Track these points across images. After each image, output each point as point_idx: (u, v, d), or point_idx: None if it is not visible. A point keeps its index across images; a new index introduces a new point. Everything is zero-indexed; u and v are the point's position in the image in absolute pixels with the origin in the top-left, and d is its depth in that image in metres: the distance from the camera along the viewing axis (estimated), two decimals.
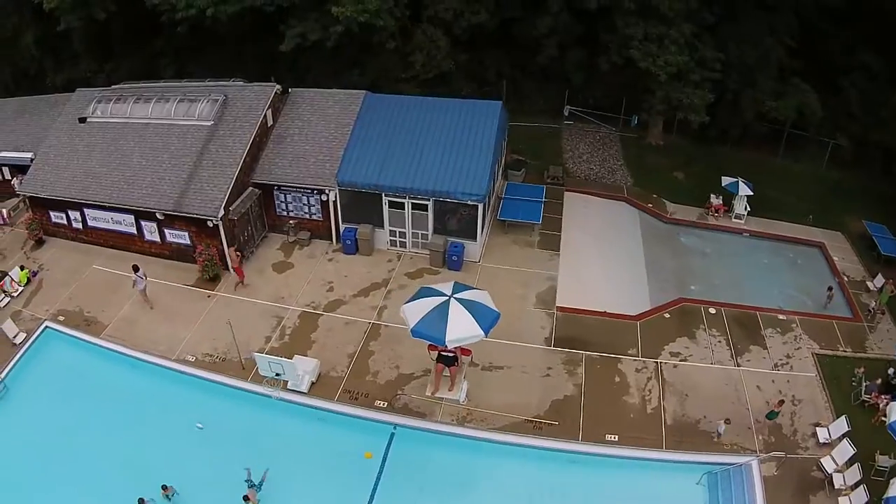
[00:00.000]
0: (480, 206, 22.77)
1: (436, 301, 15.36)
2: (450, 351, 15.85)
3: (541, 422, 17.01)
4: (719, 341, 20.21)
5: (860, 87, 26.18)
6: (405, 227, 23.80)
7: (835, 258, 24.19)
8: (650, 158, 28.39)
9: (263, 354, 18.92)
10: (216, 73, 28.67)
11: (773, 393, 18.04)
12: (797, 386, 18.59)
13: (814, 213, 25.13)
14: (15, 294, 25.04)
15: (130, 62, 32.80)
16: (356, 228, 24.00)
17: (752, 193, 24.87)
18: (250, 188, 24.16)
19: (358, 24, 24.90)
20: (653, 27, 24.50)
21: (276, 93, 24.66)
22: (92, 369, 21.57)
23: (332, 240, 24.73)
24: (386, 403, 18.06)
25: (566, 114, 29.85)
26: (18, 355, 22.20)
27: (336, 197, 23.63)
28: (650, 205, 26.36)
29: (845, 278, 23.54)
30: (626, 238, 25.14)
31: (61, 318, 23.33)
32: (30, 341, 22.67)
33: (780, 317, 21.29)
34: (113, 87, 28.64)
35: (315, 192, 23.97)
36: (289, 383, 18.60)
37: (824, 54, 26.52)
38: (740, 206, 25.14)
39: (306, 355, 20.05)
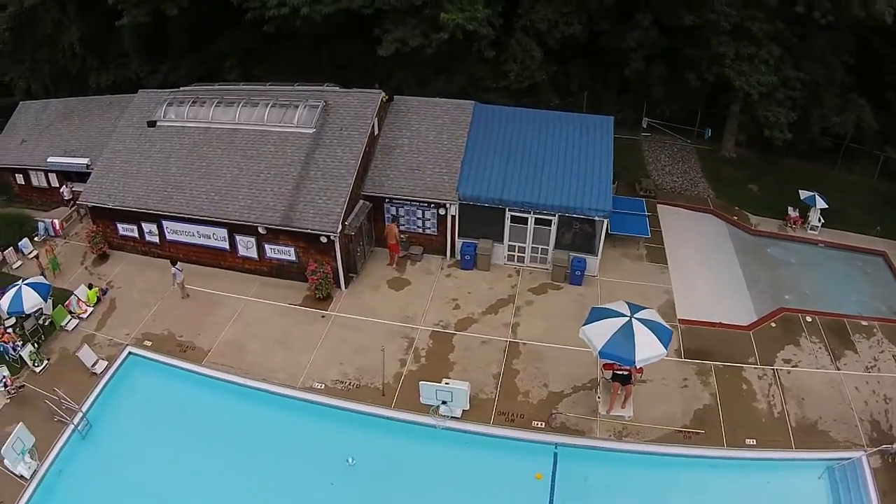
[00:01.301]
0: (605, 222, 18.93)
1: (618, 322, 13.63)
2: (625, 369, 14.04)
3: (689, 431, 15.09)
4: (819, 347, 17.93)
5: None
6: (525, 243, 19.47)
7: None
8: (725, 170, 25.20)
9: (430, 382, 14.61)
10: (285, 77, 23.24)
11: (867, 393, 16.38)
12: (886, 385, 16.79)
13: (872, 224, 22.93)
14: (84, 316, 19.13)
15: (189, 63, 26.43)
16: (475, 243, 19.52)
17: (826, 206, 22.35)
18: (361, 201, 19.15)
19: (463, 32, 20.34)
20: (744, 47, 21.43)
21: (382, 100, 19.79)
22: (193, 401, 16.34)
23: (445, 255, 19.99)
24: (543, 423, 14.96)
25: (644, 125, 26.29)
26: (100, 386, 16.65)
27: (456, 211, 19.12)
28: (735, 217, 23.16)
29: None
30: (720, 250, 21.83)
31: (147, 342, 17.78)
32: (112, 370, 17.12)
33: (863, 323, 19.09)
34: (182, 88, 22.69)
35: (432, 205, 19.27)
36: (440, 409, 14.60)
37: (874, 70, 24.28)
38: (815, 218, 22.67)
39: (449, 378, 15.77)
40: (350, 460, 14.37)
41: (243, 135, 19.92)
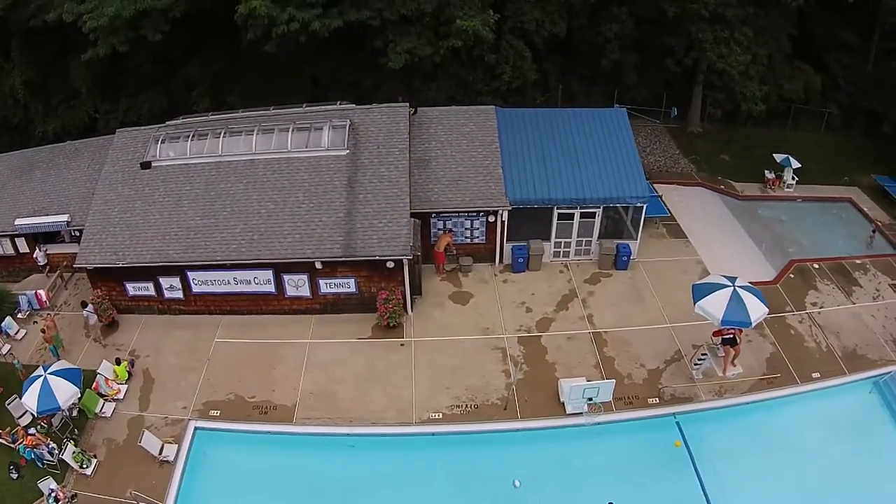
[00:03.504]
0: (644, 207, 18.35)
1: (726, 292, 14.30)
2: (731, 333, 14.74)
3: (767, 377, 15.60)
4: (833, 288, 19.04)
5: (842, 62, 25.84)
6: (571, 237, 18.50)
7: (864, 208, 23.78)
8: (697, 145, 25.79)
9: (571, 380, 14.18)
10: (262, 101, 20.23)
11: (882, 318, 17.65)
12: (894, 310, 18.14)
13: (829, 174, 24.51)
14: (119, 396, 15.50)
15: (152, 96, 22.31)
16: (525, 245, 18.15)
17: (800, 165, 23.57)
18: (412, 219, 17.02)
19: (474, 38, 18.66)
20: (719, 31, 21.94)
21: (411, 113, 17.60)
22: (293, 465, 13.88)
23: (494, 261, 18.53)
24: (657, 399, 14.95)
25: None
26: (178, 474, 13.51)
27: (507, 216, 17.52)
28: (722, 186, 23.85)
29: (879, 223, 23.18)
30: (722, 218, 22.41)
31: (214, 412, 14.80)
32: (184, 452, 13.88)
33: (857, 261, 20.53)
34: (170, 123, 19.03)
35: (481, 214, 17.62)
36: (568, 406, 14.20)
37: (809, 36, 25.82)
38: (789, 177, 23.82)
39: (557, 377, 15.03)
40: (516, 483, 13.04)
41: (266, 165, 17.09)
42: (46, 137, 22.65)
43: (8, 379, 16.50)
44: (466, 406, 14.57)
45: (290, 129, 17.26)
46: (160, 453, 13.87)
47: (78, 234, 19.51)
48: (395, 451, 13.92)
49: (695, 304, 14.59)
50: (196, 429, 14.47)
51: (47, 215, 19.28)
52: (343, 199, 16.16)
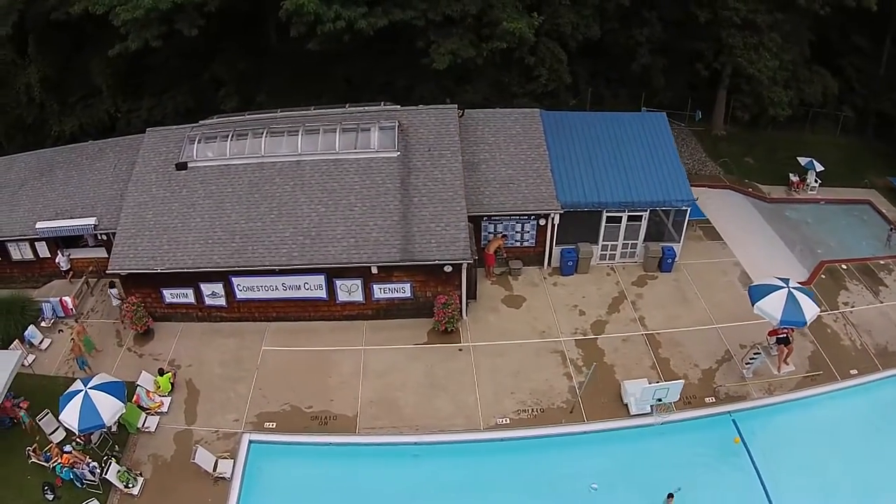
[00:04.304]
0: (688, 210, 18.45)
1: (783, 293, 14.63)
2: (784, 332, 14.98)
3: (811, 374, 15.87)
4: (861, 288, 19.42)
5: (857, 66, 26.39)
6: (617, 240, 18.43)
7: (882, 209, 24.40)
8: (722, 148, 26.00)
9: (634, 382, 14.42)
10: (293, 101, 19.68)
11: None
12: None
13: (847, 176, 25.06)
14: (163, 409, 14.77)
15: (174, 95, 21.49)
16: (574, 248, 18.02)
17: (823, 168, 24.06)
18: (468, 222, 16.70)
19: (518, 39, 18.53)
20: (748, 37, 22.25)
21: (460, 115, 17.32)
22: (358, 478, 13.42)
23: (542, 264, 18.32)
24: (713, 398, 15.07)
25: None
26: (235, 492, 12.95)
27: (557, 220, 17.37)
28: (750, 189, 24.11)
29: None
30: (752, 220, 22.59)
31: (269, 424, 14.21)
32: (239, 468, 13.29)
33: (881, 262, 21.01)
34: (203, 123, 18.34)
35: (532, 217, 17.41)
36: (632, 407, 14.36)
37: (825, 40, 26.30)
38: (812, 180, 24.28)
39: (617, 379, 15.09)
40: (593, 486, 12.94)
41: (313, 166, 16.59)
42: (62, 137, 21.57)
43: (35, 392, 15.61)
44: (532, 410, 14.37)
45: (337, 130, 16.80)
46: (214, 469, 13.25)
47: (105, 237, 18.71)
48: (463, 459, 13.57)
49: (753, 305, 14.86)
50: (251, 442, 13.87)
51: (71, 218, 18.41)
52: (397, 203, 15.74)
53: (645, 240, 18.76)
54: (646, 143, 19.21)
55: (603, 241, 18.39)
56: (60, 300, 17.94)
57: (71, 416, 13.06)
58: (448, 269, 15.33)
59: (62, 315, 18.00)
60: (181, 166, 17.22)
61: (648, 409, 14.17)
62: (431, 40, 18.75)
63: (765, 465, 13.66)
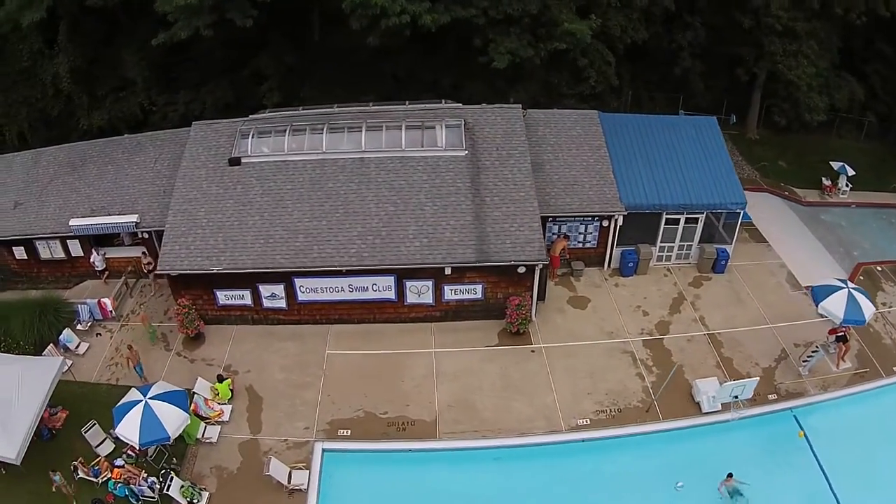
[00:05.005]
0: (741, 213, 18.80)
1: (844, 293, 15.20)
2: (842, 331, 15.67)
3: (859, 372, 16.29)
4: None
5: (881, 73, 27.01)
6: (674, 242, 18.63)
7: None
8: (756, 151, 26.62)
9: (705, 380, 14.73)
10: (335, 97, 19.36)
11: None
12: None
13: (871, 181, 25.85)
14: (224, 417, 14.20)
15: (214, 89, 20.81)
16: (634, 250, 18.12)
17: (854, 173, 24.83)
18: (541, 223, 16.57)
19: (576, 40, 18.64)
20: (788, 44, 22.87)
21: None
22: (443, 484, 13.16)
23: (602, 265, 18.37)
24: (775, 395, 15.46)
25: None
26: (313, 502, 12.40)
27: (621, 221, 17.42)
28: (786, 192, 24.72)
29: None
30: (792, 223, 23.09)
31: (344, 431, 13.82)
32: (315, 478, 12.85)
33: None
34: (253, 117, 17.84)
35: (595, 218, 17.43)
36: (704, 405, 14.63)
37: (850, 46, 26.95)
38: (843, 184, 25.03)
39: (686, 378, 15.27)
40: (679, 485, 13.02)
41: (378, 164, 16.32)
42: (90, 131, 20.68)
43: (74, 400, 14.88)
44: (610, 411, 14.46)
45: (402, 127, 16.54)
46: (289, 482, 12.75)
47: (146, 235, 17.97)
48: (546, 461, 13.50)
49: (817, 304, 15.51)
50: (324, 451, 13.43)
51: (109, 215, 17.63)
52: (469, 202, 15.56)
53: (702, 241, 19.10)
54: (698, 146, 19.48)
55: (661, 242, 18.59)
56: (98, 302, 17.17)
57: (130, 429, 12.40)
58: (521, 269, 15.22)
59: (100, 318, 17.22)
60: (234, 161, 16.70)
61: (719, 407, 14.50)
62: (490, 38, 18.66)
63: (826, 457, 14.14)
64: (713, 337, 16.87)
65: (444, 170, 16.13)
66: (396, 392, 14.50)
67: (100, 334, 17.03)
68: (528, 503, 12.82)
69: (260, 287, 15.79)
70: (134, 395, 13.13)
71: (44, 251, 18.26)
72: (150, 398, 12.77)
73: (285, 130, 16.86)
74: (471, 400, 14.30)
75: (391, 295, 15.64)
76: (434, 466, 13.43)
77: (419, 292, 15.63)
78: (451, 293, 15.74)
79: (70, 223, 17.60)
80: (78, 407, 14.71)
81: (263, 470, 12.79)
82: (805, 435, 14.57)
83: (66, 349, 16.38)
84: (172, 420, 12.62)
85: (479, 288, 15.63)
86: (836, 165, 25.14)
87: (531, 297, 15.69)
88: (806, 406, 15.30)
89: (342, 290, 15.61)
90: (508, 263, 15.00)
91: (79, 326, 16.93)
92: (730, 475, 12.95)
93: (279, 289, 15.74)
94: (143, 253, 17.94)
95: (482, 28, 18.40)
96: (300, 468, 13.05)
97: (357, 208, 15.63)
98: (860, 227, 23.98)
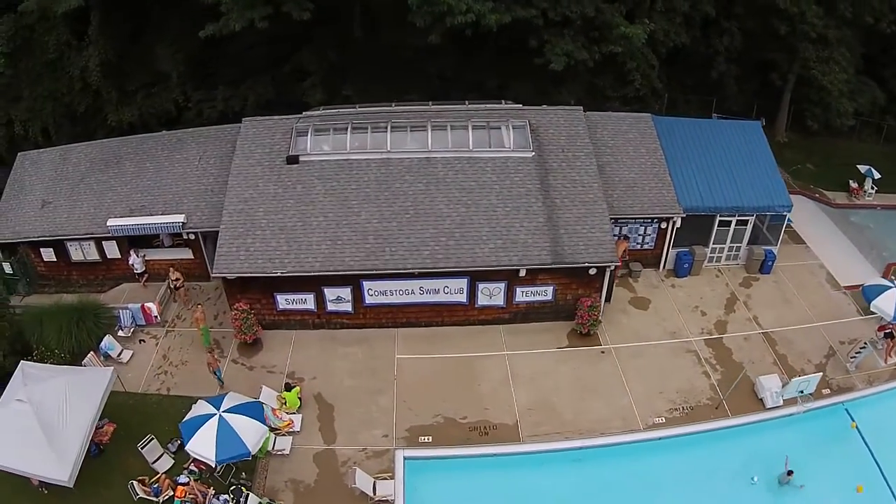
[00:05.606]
0: (788, 215, 19.45)
1: (892, 293, 15.94)
2: (890, 327, 16.28)
3: None
4: None
5: None
6: (724, 243, 19.10)
7: None
8: (785, 154, 27.01)
9: (767, 377, 15.19)
10: (377, 95, 19.18)
11: None
12: None
13: (891, 184, 26.85)
14: (295, 427, 13.82)
15: (254, 85, 20.21)
16: (689, 251, 18.48)
17: (880, 176, 25.55)
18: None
19: (630, 44, 18.95)
20: (821, 50, 23.79)
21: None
22: (521, 487, 13.08)
23: (658, 266, 18.70)
24: (828, 390, 15.96)
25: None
26: None
27: (679, 223, 17.72)
28: (817, 195, 25.49)
29: None
30: (825, 224, 23.85)
31: (425, 438, 13.64)
32: (399, 488, 12.59)
33: None
34: (307, 114, 17.48)
35: (654, 220, 17.70)
36: (767, 401, 15.07)
37: (869, 51, 27.78)
38: (869, 186, 25.92)
39: (748, 375, 15.63)
40: (754, 478, 13.38)
41: (445, 164, 16.18)
42: (119, 127, 19.84)
43: (122, 412, 14.25)
44: (682, 408, 14.80)
45: (468, 127, 16.45)
46: (374, 494, 12.50)
47: (191, 236, 17.33)
48: (624, 459, 13.62)
49: (869, 303, 16.41)
50: (405, 459, 13.19)
51: (150, 215, 16.94)
52: (541, 204, 15.64)
53: (750, 243, 19.66)
54: (745, 149, 20.04)
55: (713, 244, 19.06)
56: (142, 306, 16.55)
57: (204, 445, 11.98)
58: (593, 271, 15.38)
59: (143, 323, 16.54)
60: (292, 160, 16.33)
61: (781, 402, 15.07)
62: (545, 40, 18.75)
63: (878, 448, 14.64)
64: (767, 335, 17.40)
65: (512, 171, 16.15)
66: (474, 396, 14.46)
67: (143, 340, 16.44)
68: (612, 501, 12.96)
69: (325, 290, 15.45)
70: (204, 408, 12.66)
71: (76, 253, 17.52)
72: (224, 412, 12.37)
73: (345, 128, 16.63)
74: (550, 402, 14.43)
75: (462, 297, 15.58)
76: (518, 470, 13.40)
77: (491, 294, 15.61)
78: (523, 295, 15.80)
79: (108, 223, 16.94)
80: (127, 419, 14.13)
81: (347, 481, 12.53)
82: (857, 427, 15.09)
83: (108, 357, 15.76)
84: (251, 434, 12.26)
85: (550, 290, 15.74)
86: (862, 168, 26.10)
87: (600, 298, 15.84)
88: (857, 400, 15.72)
89: (412, 292, 15.44)
90: (583, 265, 15.12)
91: (120, 333, 16.34)
92: (790, 472, 13.28)
93: (345, 292, 15.45)
94: (172, 267, 17.20)
95: (539, 29, 18.50)
96: (385, 478, 12.80)
97: (427, 209, 15.50)
98: (887, 228, 24.68)
